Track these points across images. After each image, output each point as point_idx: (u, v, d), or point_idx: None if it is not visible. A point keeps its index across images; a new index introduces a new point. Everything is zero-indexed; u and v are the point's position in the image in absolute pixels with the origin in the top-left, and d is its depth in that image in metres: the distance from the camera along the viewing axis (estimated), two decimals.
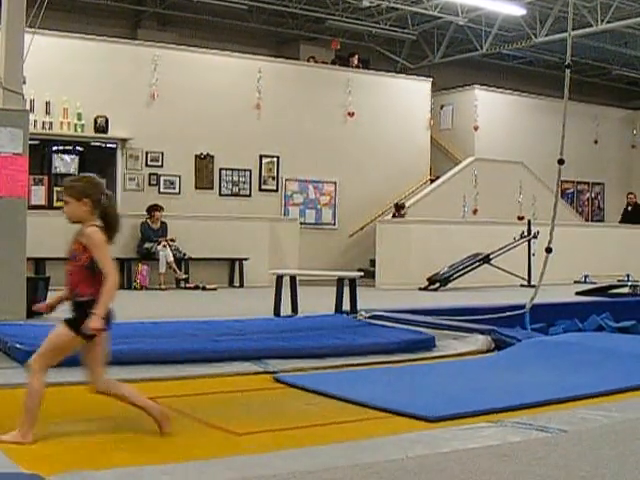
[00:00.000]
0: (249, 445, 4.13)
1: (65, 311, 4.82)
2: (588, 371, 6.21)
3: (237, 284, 16.63)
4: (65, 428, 4.43)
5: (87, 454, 3.90)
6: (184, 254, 16.13)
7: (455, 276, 16.61)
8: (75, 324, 4.64)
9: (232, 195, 18.72)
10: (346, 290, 10.36)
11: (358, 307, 10.04)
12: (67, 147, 17.57)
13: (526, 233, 17.49)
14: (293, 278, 11.04)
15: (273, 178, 19.34)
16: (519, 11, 20.71)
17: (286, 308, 10.51)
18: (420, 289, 16.43)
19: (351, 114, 20.19)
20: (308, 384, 5.76)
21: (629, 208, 22.56)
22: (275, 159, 19.22)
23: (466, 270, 16.73)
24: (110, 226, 4.93)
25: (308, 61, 21.28)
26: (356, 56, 21.65)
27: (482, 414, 4.75)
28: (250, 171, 18.97)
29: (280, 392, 5.72)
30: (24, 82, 9.77)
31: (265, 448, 3.93)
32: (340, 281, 10.51)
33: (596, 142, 25.32)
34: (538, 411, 4.83)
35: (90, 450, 3.98)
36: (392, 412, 4.91)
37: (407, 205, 19.37)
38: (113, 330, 7.48)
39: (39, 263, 14.34)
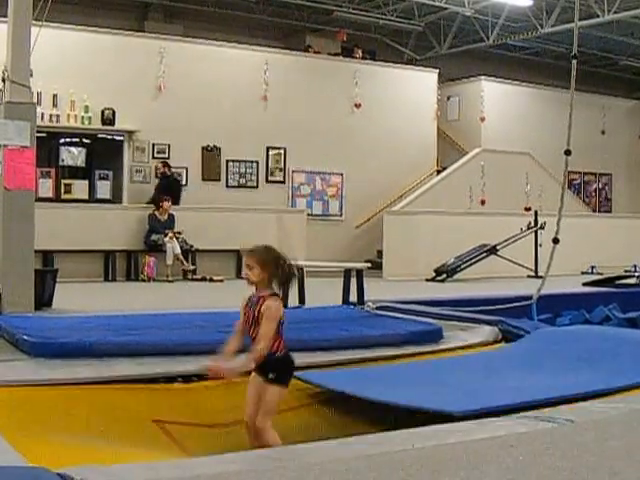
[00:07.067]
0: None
1: None
2: (605, 365, 6.17)
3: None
4: (71, 423, 4.45)
5: (93, 448, 3.91)
6: (191, 246, 16.15)
7: (462, 267, 16.61)
8: (280, 379, 5.17)
9: (239, 187, 18.74)
10: (353, 281, 10.36)
11: (365, 298, 10.04)
12: (74, 139, 17.61)
13: (533, 224, 17.48)
14: (300, 269, 11.04)
15: (280, 170, 19.35)
16: (526, 2, 20.68)
17: (293, 299, 10.52)
18: (427, 280, 16.44)
19: (358, 105, 20.18)
20: (325, 383, 5.74)
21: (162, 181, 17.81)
22: (282, 150, 19.23)
23: (473, 261, 16.74)
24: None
25: (307, 50, 21.26)
26: (359, 50, 21.69)
27: (509, 411, 4.72)
28: (257, 163, 18.99)
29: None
30: (31, 75, 9.78)
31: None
32: (347, 272, 10.52)
33: (603, 133, 25.29)
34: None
35: (96, 444, 3.99)
36: (416, 410, 4.88)
37: (414, 196, 19.41)
38: (120, 321, 7.55)
39: (47, 255, 14.37)
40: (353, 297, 10.20)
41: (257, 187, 19.02)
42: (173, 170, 17.63)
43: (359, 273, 10.47)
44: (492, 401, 5.00)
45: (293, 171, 19.56)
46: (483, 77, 22.96)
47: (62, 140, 17.48)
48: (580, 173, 24.83)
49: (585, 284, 14.70)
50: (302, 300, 10.69)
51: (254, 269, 5.40)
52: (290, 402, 5.40)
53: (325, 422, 5.07)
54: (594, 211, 24.54)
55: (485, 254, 16.86)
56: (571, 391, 5.30)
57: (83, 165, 17.68)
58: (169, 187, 17.27)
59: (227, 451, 4.70)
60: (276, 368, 5.18)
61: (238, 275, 16.78)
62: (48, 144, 16.83)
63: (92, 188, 17.57)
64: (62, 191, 17.16)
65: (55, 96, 16.68)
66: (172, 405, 5.57)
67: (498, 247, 16.86)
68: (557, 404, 5.03)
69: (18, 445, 3.80)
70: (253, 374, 5.24)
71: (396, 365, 6.61)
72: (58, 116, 16.78)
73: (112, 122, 17.36)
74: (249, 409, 5.17)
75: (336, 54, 21.76)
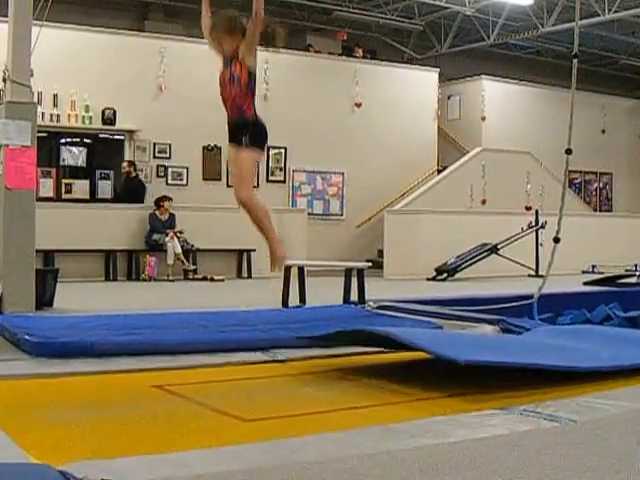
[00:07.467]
0: (257, 432, 4.14)
1: None
2: (614, 347, 6.20)
3: (245, 275, 16.66)
4: (74, 417, 4.45)
5: (95, 443, 3.91)
6: (192, 245, 16.16)
7: (463, 266, 16.62)
8: (254, 142, 5.54)
9: None
10: (354, 281, 10.35)
11: (366, 297, 10.04)
12: (75, 139, 17.64)
13: (534, 223, 17.49)
14: (301, 269, 11.03)
15: (281, 169, 19.36)
16: (526, 1, 20.69)
17: (294, 299, 10.52)
18: (428, 279, 16.45)
19: (358, 105, 20.19)
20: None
21: (126, 182, 17.63)
22: (283, 150, 19.24)
23: (474, 260, 16.74)
24: None
25: (307, 50, 21.26)
26: (360, 49, 21.74)
27: (514, 364, 4.79)
28: (257, 162, 18.96)
29: (290, 379, 5.72)
30: (32, 75, 9.77)
31: (273, 436, 3.94)
32: (348, 272, 10.51)
33: (604, 132, 25.30)
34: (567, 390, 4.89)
35: (98, 439, 3.99)
36: (419, 349, 4.93)
37: (415, 196, 19.42)
38: (121, 321, 7.55)
39: (48, 255, 14.38)
40: (354, 296, 10.19)
41: (258, 186, 18.94)
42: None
43: (360, 272, 10.45)
44: (497, 356, 5.07)
45: (294, 170, 19.57)
46: (484, 76, 22.98)
47: (63, 140, 17.50)
48: (581, 172, 24.85)
49: (586, 283, 14.67)
50: (303, 299, 10.68)
51: (226, 43, 5.65)
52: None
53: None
54: (595, 210, 24.56)
55: (486, 253, 16.87)
56: (576, 362, 5.34)
57: (84, 165, 17.70)
58: (132, 188, 17.28)
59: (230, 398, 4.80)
60: (249, 131, 5.35)
61: (239, 274, 16.81)
62: (49, 144, 16.85)
63: (93, 188, 17.58)
64: (63, 191, 17.17)
65: (56, 96, 16.71)
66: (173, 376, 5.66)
67: (499, 246, 16.86)
68: (559, 370, 5.11)
69: (19, 439, 3.81)
70: (229, 146, 5.47)
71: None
72: (59, 116, 16.81)
73: (113, 122, 17.37)
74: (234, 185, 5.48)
75: (337, 54, 21.78)
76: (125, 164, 17.36)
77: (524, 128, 23.13)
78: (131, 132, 17.61)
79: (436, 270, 16.59)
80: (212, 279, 15.75)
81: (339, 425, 4.23)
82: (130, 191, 17.12)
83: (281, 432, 4.07)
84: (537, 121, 23.39)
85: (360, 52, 21.73)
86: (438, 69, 22.04)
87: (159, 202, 16.30)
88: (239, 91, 5.56)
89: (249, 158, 5.47)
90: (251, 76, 5.61)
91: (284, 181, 19.44)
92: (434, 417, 4.33)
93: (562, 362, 5.38)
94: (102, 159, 17.94)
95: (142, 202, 17.01)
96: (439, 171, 21.34)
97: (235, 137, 5.52)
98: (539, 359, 5.40)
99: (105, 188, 17.62)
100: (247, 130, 5.46)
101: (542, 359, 5.41)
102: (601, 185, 25.86)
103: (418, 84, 21.32)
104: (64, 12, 16.75)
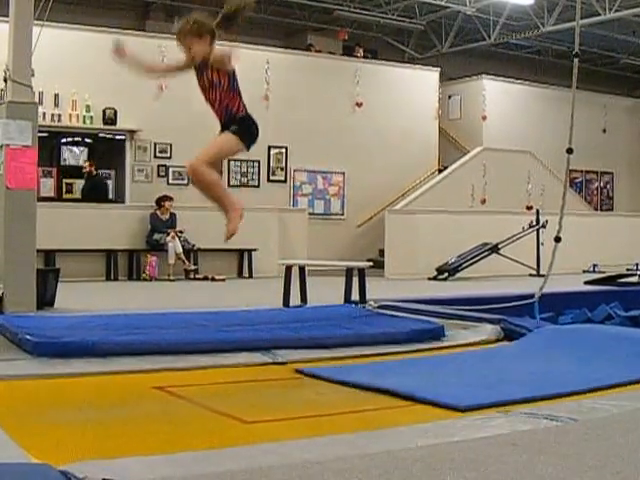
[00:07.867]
0: (258, 434, 4.14)
1: None
2: (610, 360, 6.16)
3: (246, 275, 16.67)
4: (75, 417, 4.45)
5: (96, 443, 3.91)
6: (193, 245, 16.16)
7: (464, 266, 16.62)
8: (240, 133, 5.58)
9: (241, 186, 18.74)
10: (355, 280, 10.36)
11: (367, 297, 10.04)
12: (76, 139, 17.65)
13: (535, 222, 17.49)
14: (302, 268, 11.03)
15: (282, 169, 19.36)
16: (527, 0, 20.68)
17: (295, 298, 10.52)
18: (429, 279, 16.45)
19: (359, 104, 20.19)
20: (327, 374, 5.74)
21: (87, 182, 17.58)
22: (284, 150, 19.24)
23: (475, 260, 16.74)
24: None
25: (308, 49, 21.26)
26: (360, 49, 21.74)
27: (515, 403, 4.74)
28: (259, 162, 18.99)
29: (291, 382, 5.72)
30: (33, 74, 9.78)
31: (274, 437, 3.94)
32: (349, 271, 10.51)
33: (605, 131, 25.28)
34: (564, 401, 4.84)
35: (99, 439, 3.99)
36: (418, 401, 4.88)
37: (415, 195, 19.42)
38: (122, 320, 7.55)
39: (49, 255, 14.38)
40: (355, 296, 10.19)
41: (259, 186, 19.02)
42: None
43: (361, 272, 10.45)
44: (498, 396, 5.00)
45: (295, 170, 19.57)
46: (484, 76, 22.97)
47: (64, 140, 17.52)
48: (582, 172, 24.84)
49: (587, 282, 14.67)
50: (304, 299, 10.69)
51: (195, 46, 5.62)
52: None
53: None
54: (596, 210, 24.56)
55: (487, 253, 16.87)
56: (578, 387, 5.29)
57: (85, 164, 17.69)
58: (94, 187, 17.26)
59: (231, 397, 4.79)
60: (237, 124, 5.58)
61: (240, 274, 16.81)
62: (50, 144, 16.86)
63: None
64: (64, 190, 17.19)
65: (57, 96, 16.70)
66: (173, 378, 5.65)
67: (500, 246, 16.87)
68: (566, 396, 5.07)
69: (19, 439, 3.80)
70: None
71: (399, 360, 6.61)
72: (60, 116, 16.80)
73: (114, 121, 17.37)
74: None
75: (338, 53, 21.78)
76: (86, 164, 17.38)
77: (525, 127, 23.12)
78: (132, 132, 17.60)
79: (437, 270, 16.59)
80: (213, 279, 15.75)
81: (340, 427, 4.23)
82: (92, 190, 17.18)
83: (282, 434, 4.06)
84: (538, 120, 23.38)
85: (361, 52, 21.74)
86: (439, 69, 22.04)
87: (160, 202, 16.30)
88: (224, 94, 5.55)
89: (224, 138, 5.50)
90: (231, 77, 5.59)
91: (285, 181, 19.44)
92: (435, 420, 4.33)
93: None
94: (103, 159, 17.94)
95: (105, 201, 17.16)
96: (440, 171, 21.33)
97: (223, 129, 5.62)
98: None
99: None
100: (235, 122, 5.52)
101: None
102: (602, 184, 25.85)
103: (419, 84, 21.32)
104: (65, 12, 16.76)
